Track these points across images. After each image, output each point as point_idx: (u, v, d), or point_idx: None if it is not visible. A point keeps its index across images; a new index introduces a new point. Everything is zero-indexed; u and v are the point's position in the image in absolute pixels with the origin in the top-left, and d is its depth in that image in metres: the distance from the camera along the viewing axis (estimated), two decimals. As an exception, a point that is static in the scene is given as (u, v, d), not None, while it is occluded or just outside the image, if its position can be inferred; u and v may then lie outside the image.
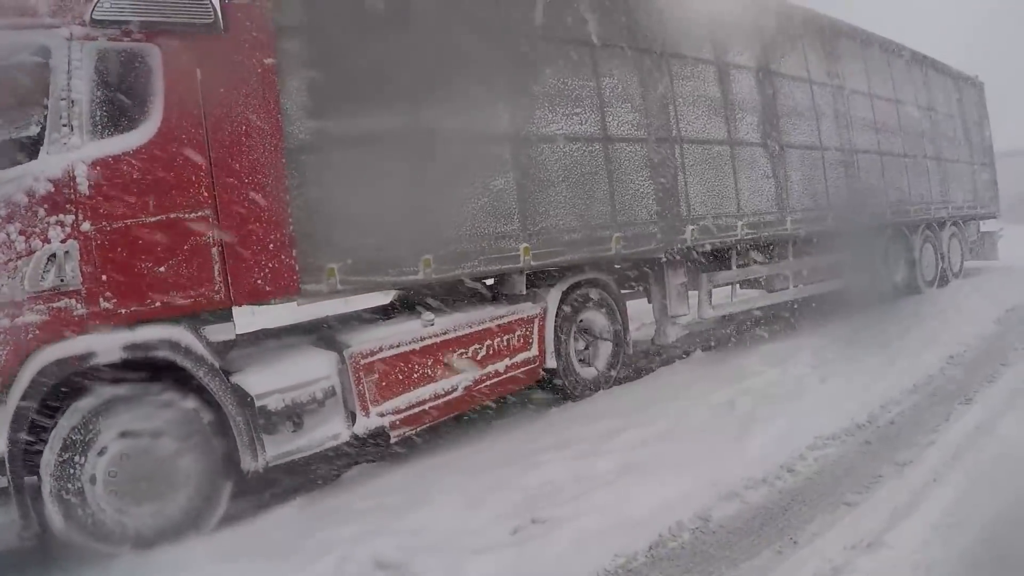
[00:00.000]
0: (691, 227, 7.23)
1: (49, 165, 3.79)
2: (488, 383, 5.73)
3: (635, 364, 7.41)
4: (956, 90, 13.85)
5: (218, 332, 4.41)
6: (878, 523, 3.82)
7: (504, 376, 5.87)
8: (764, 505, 4.20)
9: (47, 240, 3.74)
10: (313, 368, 4.73)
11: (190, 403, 4.16)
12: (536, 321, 6.14)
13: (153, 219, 4.03)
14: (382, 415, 4.97)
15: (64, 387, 3.84)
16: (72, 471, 3.81)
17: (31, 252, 3.70)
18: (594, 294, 6.77)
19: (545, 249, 5.99)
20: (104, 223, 3.88)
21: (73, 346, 3.81)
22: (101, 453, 3.89)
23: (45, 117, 3.88)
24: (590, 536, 3.82)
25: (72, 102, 3.88)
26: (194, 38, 4.26)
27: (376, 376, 4.98)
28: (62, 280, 3.77)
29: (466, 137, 5.52)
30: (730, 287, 8.36)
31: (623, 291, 7.31)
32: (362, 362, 4.91)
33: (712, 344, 8.34)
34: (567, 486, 4.47)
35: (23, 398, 3.68)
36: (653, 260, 7.22)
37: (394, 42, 5.15)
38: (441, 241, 5.36)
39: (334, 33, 4.91)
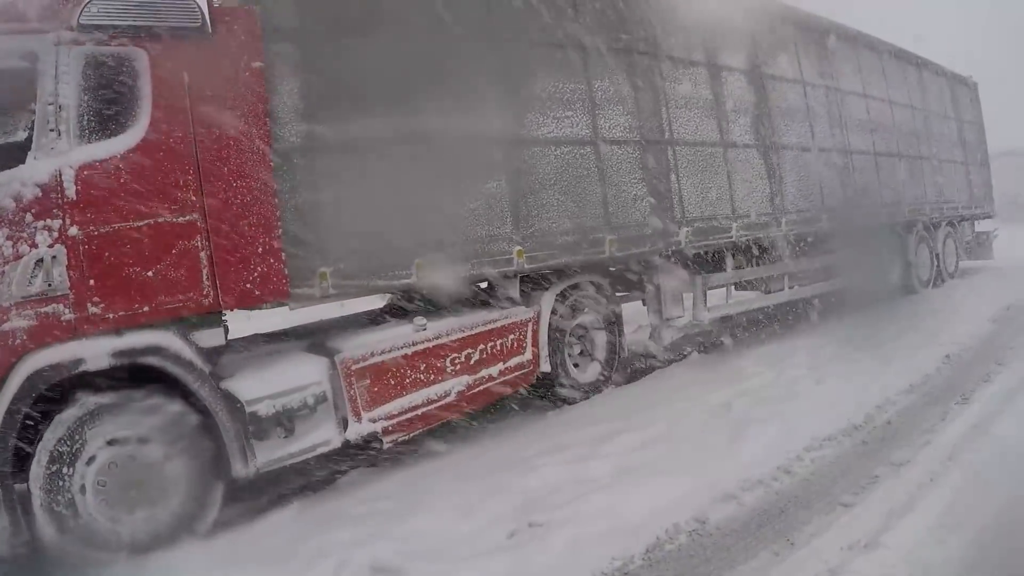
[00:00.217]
0: (685, 229, 7.20)
1: (37, 170, 3.75)
2: (482, 387, 5.68)
3: (631, 367, 7.37)
4: (950, 90, 13.91)
5: (208, 337, 4.37)
6: (875, 524, 3.80)
7: (498, 380, 5.82)
8: (761, 507, 4.18)
9: (34, 245, 3.70)
10: (304, 374, 4.69)
11: (178, 408, 4.12)
12: (530, 325, 6.10)
13: (141, 223, 4.00)
14: (374, 420, 4.93)
15: (51, 394, 3.79)
16: (61, 483, 3.77)
17: (18, 257, 3.67)
18: (589, 297, 6.74)
19: (539, 252, 5.96)
20: (92, 228, 3.85)
21: (61, 352, 3.77)
22: (90, 462, 3.85)
23: (33, 122, 3.84)
24: (587, 540, 3.81)
25: (60, 107, 3.85)
26: (182, 42, 4.23)
27: (368, 381, 4.94)
28: (50, 285, 3.74)
29: (458, 140, 5.48)
30: (725, 289, 8.33)
31: (618, 293, 7.28)
32: (353, 367, 4.88)
33: (708, 346, 8.32)
34: (563, 490, 4.45)
35: (10, 405, 3.63)
36: (647, 262, 7.19)
37: (385, 45, 5.13)
38: (434, 245, 5.32)
39: (324, 36, 4.89)
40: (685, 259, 7.42)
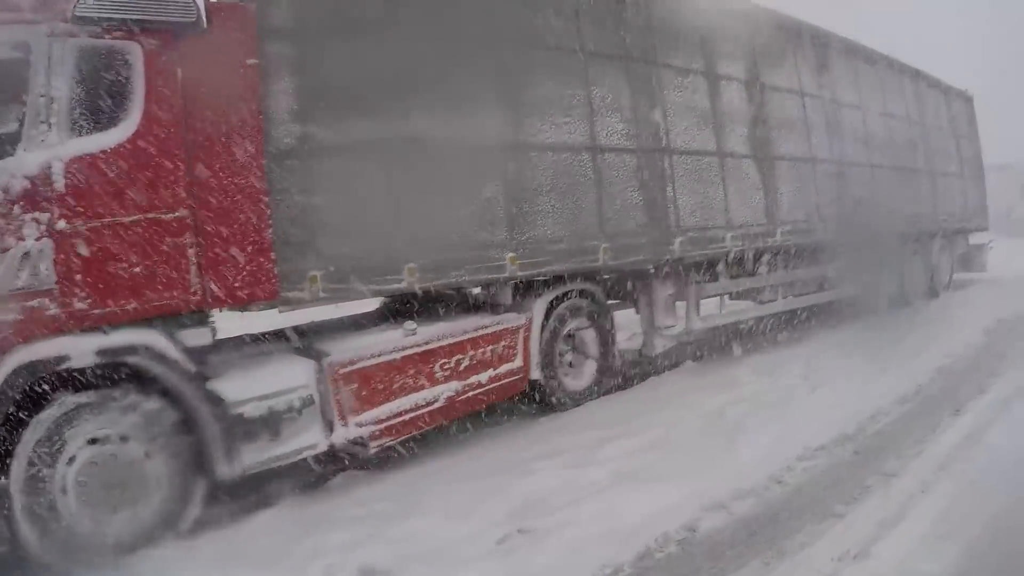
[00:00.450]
0: (679, 238, 7.17)
1: (26, 162, 3.71)
2: (472, 394, 5.64)
3: (624, 374, 7.35)
4: (946, 104, 13.93)
5: (195, 336, 4.32)
6: (866, 534, 3.78)
7: (488, 387, 5.77)
8: (752, 516, 4.16)
9: (22, 238, 3.65)
10: (292, 376, 4.64)
11: (160, 406, 4.07)
12: (521, 332, 6.06)
13: (130, 219, 3.96)
14: (361, 425, 4.88)
15: (35, 390, 3.74)
16: (42, 484, 3.70)
17: (5, 250, 3.62)
18: (581, 305, 6.70)
19: (532, 259, 5.93)
20: (80, 222, 3.81)
21: (46, 348, 3.73)
22: (70, 462, 3.79)
23: (24, 113, 3.80)
24: (578, 546, 3.79)
25: (51, 99, 3.81)
26: (176, 37, 4.20)
27: (355, 386, 4.90)
28: (36, 279, 3.69)
29: (452, 145, 5.45)
30: (719, 298, 8.30)
31: (611, 301, 7.24)
32: (341, 371, 4.83)
33: (702, 354, 8.30)
34: (557, 495, 4.44)
35: None
36: (641, 271, 7.16)
37: (381, 47, 5.10)
38: (427, 249, 5.29)
39: (320, 37, 4.86)
40: (679, 268, 7.40)
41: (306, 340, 5.32)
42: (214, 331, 4.65)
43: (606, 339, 6.90)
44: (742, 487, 4.45)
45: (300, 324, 5.91)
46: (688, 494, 4.31)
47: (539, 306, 6.27)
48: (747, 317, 8.81)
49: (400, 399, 5.14)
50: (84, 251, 3.82)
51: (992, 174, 16.68)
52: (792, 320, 9.35)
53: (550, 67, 6.25)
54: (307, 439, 4.61)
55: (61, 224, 3.75)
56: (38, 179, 3.71)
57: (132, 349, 3.98)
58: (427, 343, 5.38)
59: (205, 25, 4.29)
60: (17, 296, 3.66)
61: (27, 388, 3.69)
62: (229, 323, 5.23)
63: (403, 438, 5.20)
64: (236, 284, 4.38)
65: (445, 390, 5.42)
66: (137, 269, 3.98)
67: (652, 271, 7.17)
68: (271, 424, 4.42)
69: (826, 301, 9.67)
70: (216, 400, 4.22)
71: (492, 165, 5.78)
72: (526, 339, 6.11)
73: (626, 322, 7.66)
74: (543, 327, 6.27)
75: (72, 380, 3.86)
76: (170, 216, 4.10)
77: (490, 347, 5.83)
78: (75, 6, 3.90)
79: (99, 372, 3.91)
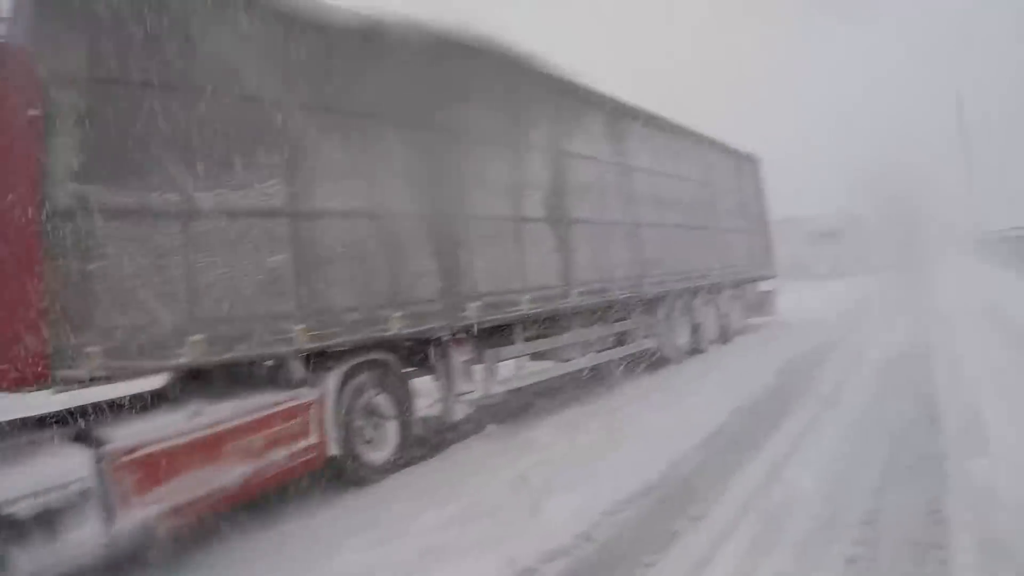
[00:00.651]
0: (474, 304, 7.25)
1: None
2: (269, 473, 5.44)
3: (428, 442, 7.34)
4: (735, 166, 15.31)
5: None
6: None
7: (285, 466, 5.59)
8: (564, 576, 4.26)
9: None
10: (67, 468, 4.28)
11: None
12: (314, 407, 5.93)
13: None
14: (147, 513, 4.58)
15: None
16: None
17: None
18: (376, 375, 6.61)
19: (324, 330, 5.82)
20: None
21: None
22: None
23: None
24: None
25: None
26: None
27: (139, 474, 4.60)
28: None
29: (238, 211, 5.28)
30: (516, 360, 8.49)
31: (408, 369, 7.20)
32: (123, 459, 4.53)
33: (504, 417, 8.42)
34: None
35: None
36: (437, 338, 7.17)
37: (170, 108, 4.88)
38: (212, 321, 5.08)
39: (110, 92, 4.60)
40: (475, 334, 7.45)
41: (85, 422, 4.90)
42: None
43: (405, 409, 6.85)
44: (553, 548, 4.51)
45: (79, 404, 5.47)
46: (499, 563, 4.31)
47: (332, 379, 6.15)
48: (548, 377, 9.03)
49: (190, 483, 4.86)
50: None
51: (780, 226, 18.51)
52: (592, 376, 9.74)
53: (334, 131, 6.17)
54: (88, 532, 4.25)
55: None
56: None
57: None
58: (215, 424, 5.14)
59: None
60: None
61: None
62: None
63: (195, 521, 4.90)
64: (2, 365, 4.02)
65: (240, 471, 5.19)
66: None
67: (448, 338, 7.20)
68: (46, 523, 4.05)
69: (626, 355, 10.16)
70: None
71: (281, 233, 5.63)
72: (320, 414, 5.97)
73: (427, 389, 7.66)
74: (338, 400, 6.15)
75: None
76: None
77: (283, 425, 5.64)
78: None
79: None
